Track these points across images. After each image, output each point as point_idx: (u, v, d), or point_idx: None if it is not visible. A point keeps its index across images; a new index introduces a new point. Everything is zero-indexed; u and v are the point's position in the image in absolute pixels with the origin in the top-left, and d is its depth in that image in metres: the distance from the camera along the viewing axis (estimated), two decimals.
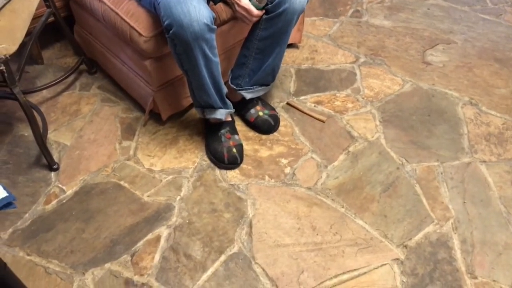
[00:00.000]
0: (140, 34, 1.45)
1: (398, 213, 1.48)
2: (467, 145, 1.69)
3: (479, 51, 2.13)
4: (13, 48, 1.25)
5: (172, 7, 1.27)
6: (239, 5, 1.41)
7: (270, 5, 1.44)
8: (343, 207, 1.49)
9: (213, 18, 1.33)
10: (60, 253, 1.37)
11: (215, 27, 1.34)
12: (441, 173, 1.59)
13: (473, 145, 1.69)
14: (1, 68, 1.26)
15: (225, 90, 1.56)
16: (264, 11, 1.45)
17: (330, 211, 1.48)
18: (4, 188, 0.83)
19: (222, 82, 1.53)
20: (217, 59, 1.43)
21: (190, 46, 1.31)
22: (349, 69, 2.02)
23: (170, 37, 1.31)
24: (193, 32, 1.27)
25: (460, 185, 1.56)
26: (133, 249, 1.38)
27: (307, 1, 1.47)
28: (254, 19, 1.44)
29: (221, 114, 1.59)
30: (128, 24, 1.48)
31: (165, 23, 1.29)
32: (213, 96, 1.52)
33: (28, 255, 1.36)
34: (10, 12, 1.33)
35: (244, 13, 1.42)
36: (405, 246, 1.39)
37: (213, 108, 1.57)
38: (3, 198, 0.81)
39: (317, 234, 1.41)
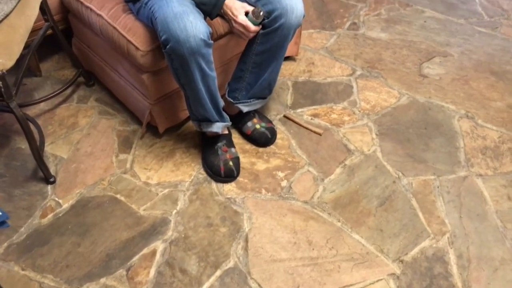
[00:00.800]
0: (137, 48, 1.46)
1: (394, 228, 1.47)
2: (463, 159, 1.69)
3: (475, 64, 2.14)
4: (10, 63, 1.26)
5: (169, 23, 1.27)
6: (236, 22, 1.42)
7: (266, 20, 1.44)
8: (339, 221, 1.49)
9: (210, 33, 1.34)
10: (55, 268, 1.36)
11: (212, 42, 1.35)
12: (438, 187, 1.60)
13: (469, 158, 1.70)
14: None
15: (221, 103, 1.57)
16: (261, 26, 1.45)
17: (326, 225, 1.48)
18: None
19: (218, 95, 1.53)
20: (213, 74, 1.44)
21: (186, 61, 1.32)
22: (346, 82, 2.03)
23: (167, 52, 1.32)
24: (189, 48, 1.28)
25: (456, 199, 1.56)
26: (128, 263, 1.37)
27: (304, 16, 1.48)
28: (252, 35, 1.45)
29: (218, 127, 1.59)
30: (126, 38, 1.49)
31: (162, 38, 1.30)
32: (209, 110, 1.52)
33: (23, 269, 1.36)
34: (8, 27, 1.33)
35: (241, 29, 1.43)
36: (401, 261, 1.39)
37: (210, 121, 1.57)
38: None
39: (313, 249, 1.41)
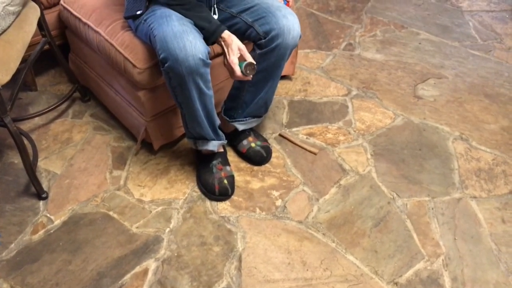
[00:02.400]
0: (134, 65, 1.46)
1: (389, 249, 1.47)
2: (457, 181, 1.70)
3: (469, 87, 2.16)
4: (5, 78, 1.25)
5: (168, 42, 1.28)
6: (227, 60, 1.39)
7: (263, 40, 1.45)
8: (334, 241, 1.48)
9: (208, 52, 1.34)
10: (45, 286, 1.34)
11: (210, 61, 1.35)
12: (432, 209, 1.59)
13: (463, 180, 1.70)
14: None
15: (218, 122, 1.57)
16: (250, 77, 1.41)
17: (320, 246, 1.47)
18: None
19: (215, 114, 1.53)
20: (211, 92, 1.44)
21: (184, 79, 1.32)
22: (341, 102, 2.04)
23: (165, 70, 1.32)
24: (188, 67, 1.28)
25: (451, 221, 1.56)
26: (120, 282, 1.35)
27: (300, 37, 1.49)
28: (236, 78, 1.42)
29: (214, 145, 1.59)
30: (123, 55, 1.49)
31: (161, 56, 1.31)
32: (206, 128, 1.52)
33: (11, 287, 1.33)
34: (5, 42, 1.33)
35: (229, 69, 1.40)
36: (396, 283, 1.37)
37: (206, 139, 1.57)
38: None
39: (307, 270, 1.40)
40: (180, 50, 1.26)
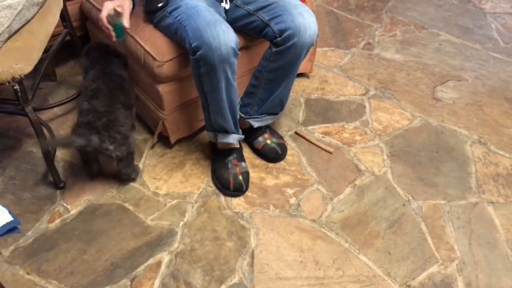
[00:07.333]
0: (154, 58, 1.47)
1: (403, 251, 1.46)
2: (474, 185, 1.68)
3: (490, 90, 2.13)
4: (28, 68, 1.27)
5: (201, 30, 1.30)
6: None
7: (279, 39, 1.45)
8: (347, 242, 1.48)
9: (238, 43, 1.35)
10: (60, 274, 1.36)
11: (239, 52, 1.37)
12: (448, 212, 1.58)
13: (480, 185, 1.68)
14: (15, 87, 1.28)
15: (238, 116, 1.58)
16: (113, 35, 1.41)
17: (333, 246, 1.46)
18: (10, 212, 0.83)
19: (237, 108, 1.54)
20: (236, 85, 1.45)
21: (215, 68, 1.33)
22: (359, 101, 2.03)
23: (196, 58, 1.33)
24: (220, 55, 1.30)
25: (466, 226, 1.54)
26: (133, 273, 1.37)
27: (317, 36, 1.48)
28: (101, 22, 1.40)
29: (234, 139, 1.60)
30: (143, 48, 1.50)
31: (193, 45, 1.31)
32: (228, 120, 1.53)
33: (28, 274, 1.36)
34: (28, 33, 1.35)
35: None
36: (408, 286, 1.37)
37: (227, 132, 1.58)
38: (7, 223, 0.81)
39: (320, 269, 1.40)
40: (214, 38, 1.28)
